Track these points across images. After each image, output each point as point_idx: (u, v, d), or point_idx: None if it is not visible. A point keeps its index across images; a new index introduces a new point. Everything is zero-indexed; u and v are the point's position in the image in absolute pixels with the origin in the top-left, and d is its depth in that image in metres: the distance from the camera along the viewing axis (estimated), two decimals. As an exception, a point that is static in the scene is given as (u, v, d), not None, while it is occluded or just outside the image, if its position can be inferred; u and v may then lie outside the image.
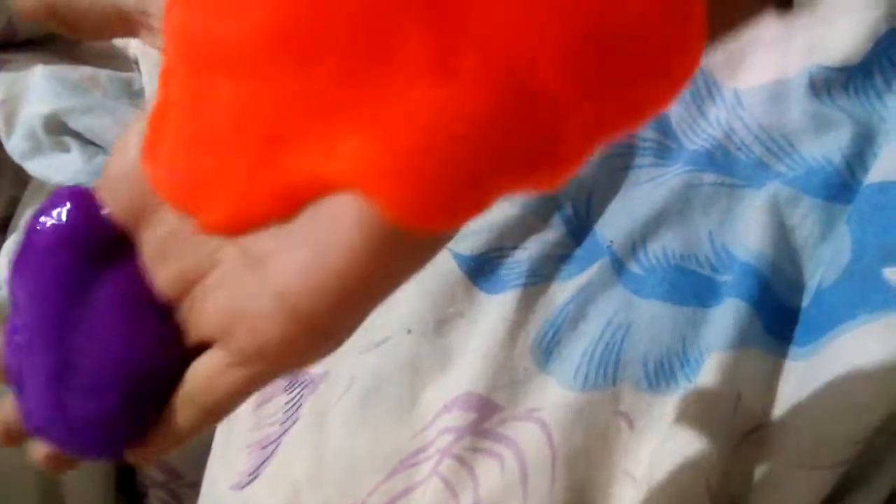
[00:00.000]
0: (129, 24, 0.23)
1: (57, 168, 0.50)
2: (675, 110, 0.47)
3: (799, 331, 0.39)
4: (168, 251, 0.24)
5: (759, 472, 0.36)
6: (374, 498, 0.36)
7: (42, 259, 0.25)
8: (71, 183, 0.50)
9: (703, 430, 0.35)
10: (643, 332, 0.39)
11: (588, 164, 0.37)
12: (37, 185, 0.52)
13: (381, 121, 0.19)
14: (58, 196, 0.25)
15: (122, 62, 0.52)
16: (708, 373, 0.37)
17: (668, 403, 0.37)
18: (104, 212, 0.25)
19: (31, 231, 0.25)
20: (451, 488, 0.35)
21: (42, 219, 0.25)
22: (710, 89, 0.47)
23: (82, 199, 0.25)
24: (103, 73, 0.52)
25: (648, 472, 0.35)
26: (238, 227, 0.22)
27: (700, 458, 0.34)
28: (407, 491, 0.36)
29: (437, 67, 0.19)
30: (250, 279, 0.22)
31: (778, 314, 0.40)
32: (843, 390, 0.34)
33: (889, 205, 0.39)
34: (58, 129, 0.50)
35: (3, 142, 0.51)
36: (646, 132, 0.47)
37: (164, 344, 0.25)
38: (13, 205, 0.55)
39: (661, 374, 0.38)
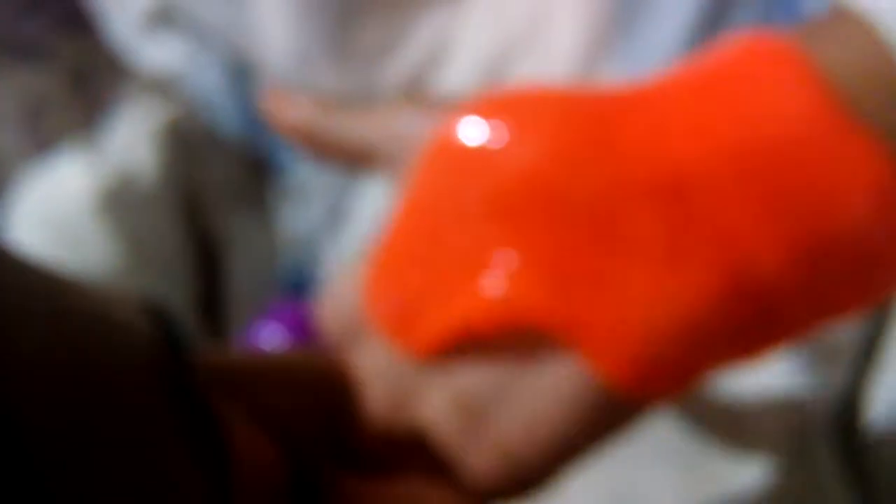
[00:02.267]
0: (372, 161, 0.26)
1: (163, 57, 0.48)
2: None
3: None
4: (377, 377, 0.25)
5: None
6: None
7: None
8: (177, 71, 0.48)
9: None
10: None
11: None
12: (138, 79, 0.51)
13: (612, 291, 0.21)
14: (270, 315, 0.26)
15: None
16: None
17: None
18: (316, 330, 0.26)
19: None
20: None
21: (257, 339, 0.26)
22: None
23: (293, 320, 0.27)
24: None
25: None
26: (448, 342, 0.23)
27: None
28: None
29: (670, 255, 0.21)
30: (468, 433, 0.24)
31: None
32: None
33: None
34: (164, 18, 0.49)
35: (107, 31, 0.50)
36: None
37: None
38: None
39: None
